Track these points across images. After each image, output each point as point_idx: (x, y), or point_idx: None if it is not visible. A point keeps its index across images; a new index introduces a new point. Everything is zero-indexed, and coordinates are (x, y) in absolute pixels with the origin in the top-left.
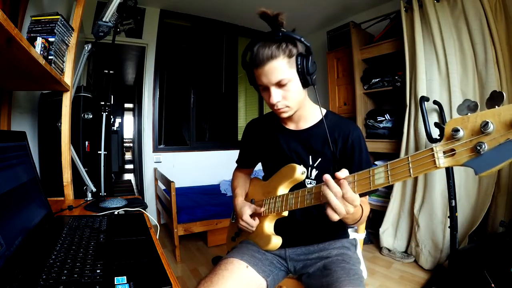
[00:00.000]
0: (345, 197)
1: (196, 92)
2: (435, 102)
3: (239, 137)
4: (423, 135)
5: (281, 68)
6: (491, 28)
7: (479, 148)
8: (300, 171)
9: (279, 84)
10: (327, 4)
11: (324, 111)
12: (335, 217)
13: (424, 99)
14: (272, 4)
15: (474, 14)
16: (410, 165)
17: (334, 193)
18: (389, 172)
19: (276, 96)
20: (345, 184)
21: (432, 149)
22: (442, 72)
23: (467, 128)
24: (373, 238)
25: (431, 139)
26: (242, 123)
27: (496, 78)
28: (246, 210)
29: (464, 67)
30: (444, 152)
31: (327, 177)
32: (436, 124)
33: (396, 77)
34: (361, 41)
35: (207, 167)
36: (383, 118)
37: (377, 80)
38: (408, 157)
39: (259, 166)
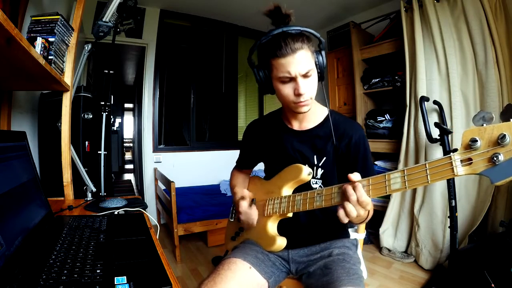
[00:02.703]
0: (359, 201)
1: (196, 92)
2: (435, 102)
3: (239, 137)
4: (423, 135)
5: (309, 58)
6: (491, 28)
7: (495, 158)
8: (306, 172)
9: (306, 75)
10: (327, 4)
11: (329, 109)
12: (345, 220)
13: (424, 99)
14: (272, 3)
15: (474, 14)
16: (428, 172)
17: (349, 198)
18: (405, 177)
19: (304, 86)
20: (360, 188)
21: (450, 157)
22: (442, 72)
23: (484, 139)
24: (373, 238)
25: (431, 139)
26: (242, 123)
27: (496, 78)
28: (242, 203)
29: (464, 67)
30: (462, 161)
31: (352, 177)
32: (436, 124)
33: (396, 77)
34: (361, 41)
35: (207, 167)
36: (383, 118)
37: (377, 80)
38: (425, 163)
39: (258, 166)
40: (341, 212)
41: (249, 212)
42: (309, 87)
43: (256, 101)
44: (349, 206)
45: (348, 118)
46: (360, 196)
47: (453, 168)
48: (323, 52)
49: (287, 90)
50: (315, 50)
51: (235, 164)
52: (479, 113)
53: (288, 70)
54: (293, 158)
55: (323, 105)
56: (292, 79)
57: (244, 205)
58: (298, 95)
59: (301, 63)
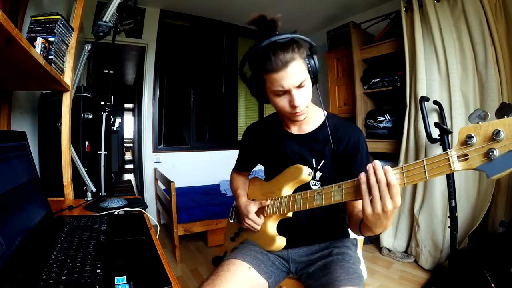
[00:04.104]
0: (390, 186)
1: (196, 92)
2: (435, 102)
3: (239, 137)
4: (423, 135)
5: (301, 69)
6: (491, 28)
7: (490, 153)
8: (307, 172)
9: (300, 86)
10: (327, 4)
11: (325, 113)
12: (369, 211)
13: (424, 99)
14: (271, 4)
15: (474, 14)
16: (426, 168)
17: (378, 181)
18: (404, 174)
19: (299, 98)
20: (391, 171)
21: (447, 153)
22: (442, 72)
23: (479, 135)
24: (373, 238)
25: (431, 139)
26: (242, 123)
27: (496, 78)
28: (251, 208)
29: (464, 67)
30: (458, 157)
31: (376, 162)
32: (436, 124)
33: (396, 77)
34: (361, 41)
35: (207, 167)
36: (383, 118)
37: (377, 80)
38: (423, 160)
39: (259, 166)
40: (366, 202)
41: (256, 219)
42: (303, 97)
43: (256, 101)
44: (376, 191)
45: (347, 121)
46: (391, 181)
47: (450, 163)
48: (315, 56)
49: (282, 102)
50: (306, 55)
51: (234, 165)
52: (475, 111)
53: (282, 84)
54: (292, 160)
55: (320, 108)
56: (287, 92)
57: (252, 212)
58: (293, 107)
59: (294, 76)
